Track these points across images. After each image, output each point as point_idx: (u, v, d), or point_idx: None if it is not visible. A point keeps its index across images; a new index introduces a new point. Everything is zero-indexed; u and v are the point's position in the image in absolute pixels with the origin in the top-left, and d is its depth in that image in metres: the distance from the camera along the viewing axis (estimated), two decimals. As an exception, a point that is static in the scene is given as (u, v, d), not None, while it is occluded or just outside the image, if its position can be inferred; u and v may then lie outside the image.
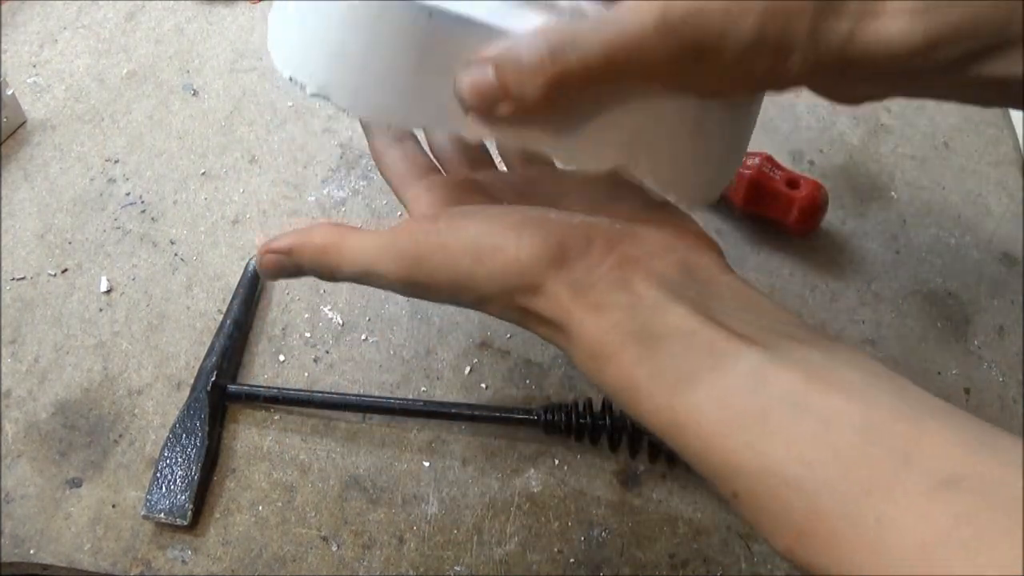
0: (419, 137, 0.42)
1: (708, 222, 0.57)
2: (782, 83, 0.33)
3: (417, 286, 0.33)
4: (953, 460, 0.23)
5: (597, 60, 0.28)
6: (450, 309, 0.51)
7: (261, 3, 0.70)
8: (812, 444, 0.25)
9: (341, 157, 0.60)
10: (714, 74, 0.30)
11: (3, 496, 0.44)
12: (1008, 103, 0.37)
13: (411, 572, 0.42)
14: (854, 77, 0.33)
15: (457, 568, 0.43)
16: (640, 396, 0.29)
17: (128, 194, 0.57)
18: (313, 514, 0.44)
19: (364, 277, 0.34)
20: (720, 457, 0.27)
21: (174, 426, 0.45)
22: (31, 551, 0.43)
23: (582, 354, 0.30)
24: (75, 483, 0.45)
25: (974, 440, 0.24)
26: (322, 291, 0.53)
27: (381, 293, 0.52)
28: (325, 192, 0.58)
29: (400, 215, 0.57)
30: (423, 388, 0.49)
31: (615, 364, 0.29)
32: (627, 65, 0.29)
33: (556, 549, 0.43)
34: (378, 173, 0.41)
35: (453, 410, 0.46)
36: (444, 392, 0.49)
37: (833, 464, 0.24)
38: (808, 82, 0.34)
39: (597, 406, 0.45)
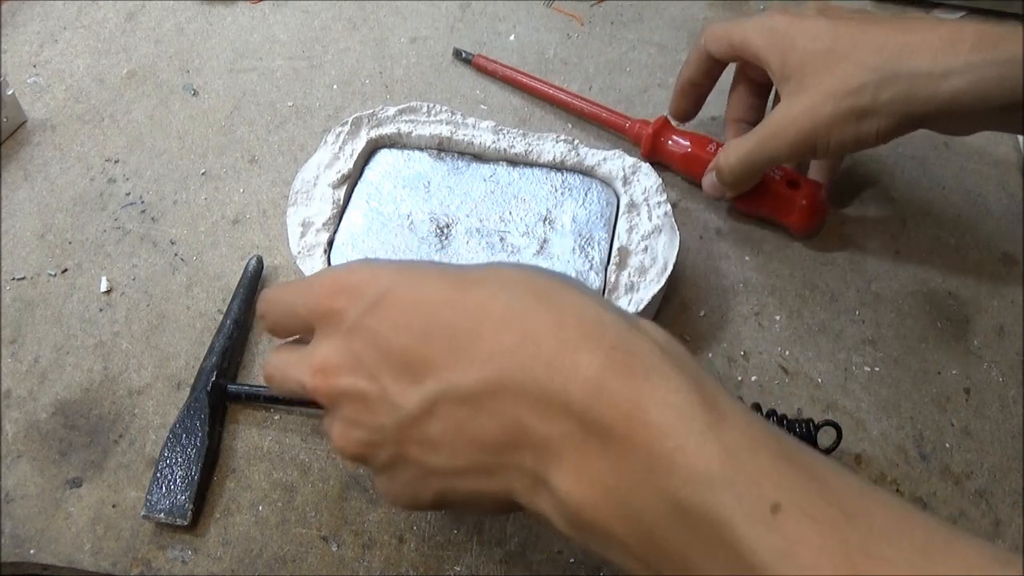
0: None
1: (708, 223, 0.57)
2: (873, 141, 0.48)
3: None
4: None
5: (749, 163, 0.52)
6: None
7: (261, 3, 0.70)
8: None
9: (341, 157, 0.60)
10: (820, 147, 0.49)
11: (3, 496, 0.44)
12: None
13: (411, 572, 0.42)
14: (934, 124, 0.48)
15: (457, 568, 0.43)
16: None
17: (128, 194, 0.57)
18: (313, 514, 0.44)
19: None
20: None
21: (174, 426, 0.45)
22: (31, 551, 0.43)
23: None
24: (75, 483, 0.45)
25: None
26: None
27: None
28: (325, 192, 0.58)
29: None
30: (423, 388, 0.49)
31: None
32: (768, 159, 0.52)
33: (556, 549, 0.43)
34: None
35: (453, 410, 0.46)
36: (444, 392, 0.48)
37: None
38: (900, 133, 0.48)
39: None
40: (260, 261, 0.53)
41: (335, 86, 0.64)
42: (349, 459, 0.34)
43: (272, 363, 0.37)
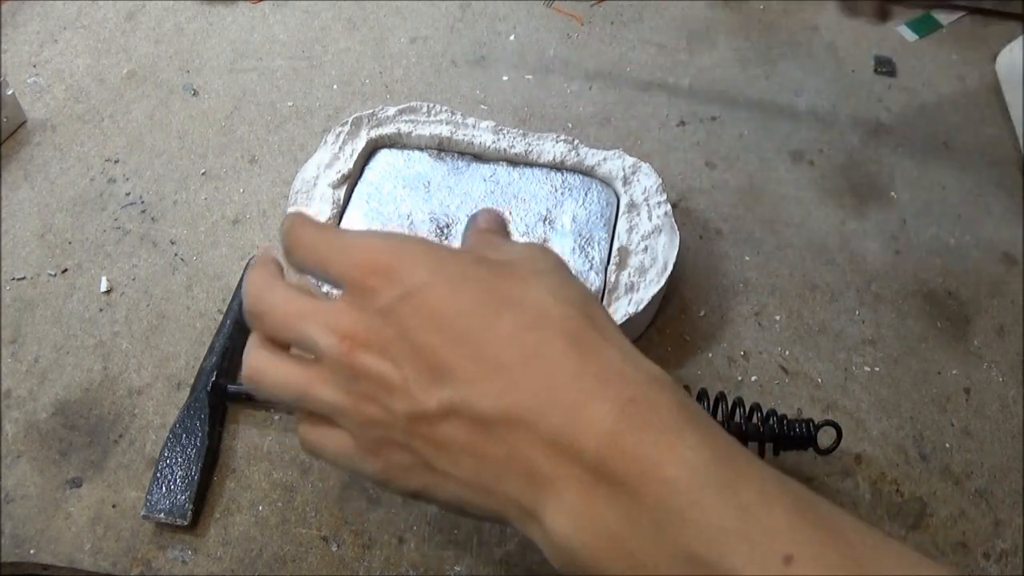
0: None
1: (708, 223, 0.57)
2: None
3: None
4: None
5: None
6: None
7: (261, 3, 0.70)
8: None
9: (341, 157, 0.60)
10: None
11: (3, 496, 0.44)
12: None
13: (411, 572, 0.42)
14: None
15: (457, 568, 0.43)
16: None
17: (128, 194, 0.57)
18: (313, 514, 0.44)
19: None
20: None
21: (174, 426, 0.45)
22: (31, 551, 0.43)
23: None
24: (75, 483, 0.45)
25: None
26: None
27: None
28: (325, 192, 0.58)
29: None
30: (423, 388, 0.49)
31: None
32: None
33: (556, 549, 0.43)
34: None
35: (453, 410, 0.46)
36: (444, 392, 0.48)
37: None
38: None
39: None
40: (260, 261, 0.53)
41: (335, 86, 0.64)
42: (357, 424, 0.34)
43: (268, 297, 0.34)
